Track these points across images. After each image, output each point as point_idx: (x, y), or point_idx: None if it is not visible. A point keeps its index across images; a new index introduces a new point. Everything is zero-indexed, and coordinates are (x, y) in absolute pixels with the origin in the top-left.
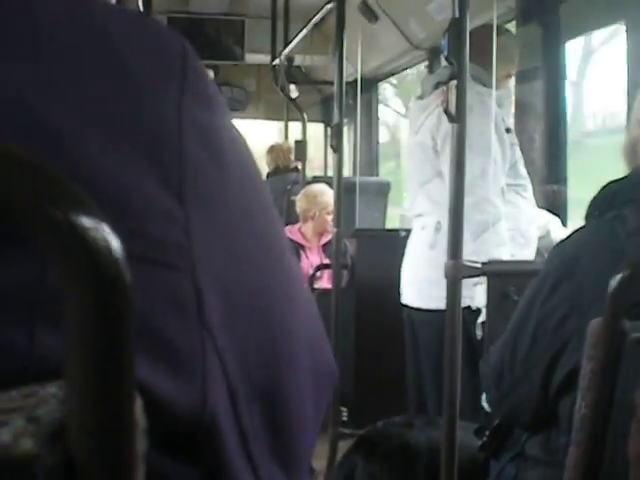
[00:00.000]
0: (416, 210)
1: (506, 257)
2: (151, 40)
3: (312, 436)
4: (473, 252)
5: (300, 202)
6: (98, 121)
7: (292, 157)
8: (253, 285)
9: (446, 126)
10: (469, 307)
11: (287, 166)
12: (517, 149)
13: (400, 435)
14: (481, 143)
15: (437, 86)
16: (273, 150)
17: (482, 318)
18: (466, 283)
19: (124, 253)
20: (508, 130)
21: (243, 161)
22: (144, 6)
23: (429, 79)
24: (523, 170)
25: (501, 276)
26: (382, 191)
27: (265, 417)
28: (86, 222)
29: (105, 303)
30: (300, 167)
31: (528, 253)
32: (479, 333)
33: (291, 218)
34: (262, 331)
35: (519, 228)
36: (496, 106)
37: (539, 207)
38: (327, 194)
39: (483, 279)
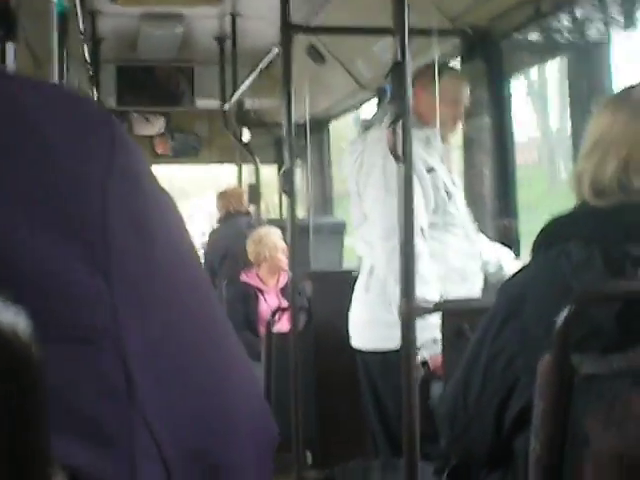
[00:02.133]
0: (358, 253)
1: (432, 296)
2: (78, 119)
3: None
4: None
5: (249, 248)
6: (24, 206)
7: (244, 201)
8: (184, 361)
9: (365, 169)
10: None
11: (239, 210)
12: (447, 187)
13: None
14: (395, 187)
15: (367, 128)
16: (224, 196)
17: (419, 358)
18: (391, 325)
19: (35, 334)
20: (430, 170)
21: (172, 238)
22: (90, 56)
23: (361, 122)
24: (452, 207)
25: (455, 314)
26: (337, 231)
27: None
28: None
29: (11, 384)
30: (253, 210)
31: (469, 289)
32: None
33: (248, 261)
34: (195, 404)
35: (452, 265)
36: (420, 147)
37: (491, 241)
38: (273, 234)
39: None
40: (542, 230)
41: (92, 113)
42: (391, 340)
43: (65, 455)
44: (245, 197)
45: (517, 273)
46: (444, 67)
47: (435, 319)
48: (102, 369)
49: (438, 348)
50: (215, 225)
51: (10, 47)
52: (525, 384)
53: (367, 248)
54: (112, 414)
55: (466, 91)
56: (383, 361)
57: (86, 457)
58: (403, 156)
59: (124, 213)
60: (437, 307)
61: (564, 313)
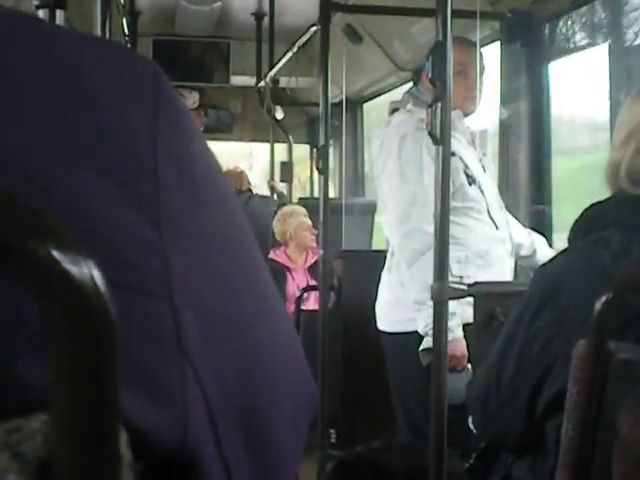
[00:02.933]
0: (384, 234)
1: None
2: (124, 71)
3: (292, 461)
4: (410, 280)
5: (276, 227)
6: (73, 154)
7: (244, 180)
8: (230, 310)
9: (384, 154)
10: (416, 332)
11: (240, 189)
12: (470, 171)
13: (379, 461)
14: (411, 171)
15: (393, 112)
16: (226, 175)
17: (425, 344)
18: (410, 307)
19: (106, 285)
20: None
21: (218, 187)
22: (129, 29)
23: (390, 105)
24: (474, 192)
25: (487, 297)
26: (368, 211)
27: (246, 444)
28: (69, 257)
29: (91, 338)
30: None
31: (495, 273)
32: (424, 360)
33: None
34: (240, 356)
35: (474, 249)
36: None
37: (525, 227)
38: (298, 213)
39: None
40: (580, 217)
41: (139, 64)
42: (409, 322)
43: (125, 407)
44: (244, 176)
45: (554, 258)
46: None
47: (450, 306)
48: (155, 318)
49: (450, 336)
50: None
51: (60, 14)
52: (560, 369)
53: (388, 229)
54: (165, 365)
55: (475, 60)
56: (404, 343)
57: (140, 408)
58: (441, 138)
59: (172, 159)
60: (470, 291)
61: (602, 299)
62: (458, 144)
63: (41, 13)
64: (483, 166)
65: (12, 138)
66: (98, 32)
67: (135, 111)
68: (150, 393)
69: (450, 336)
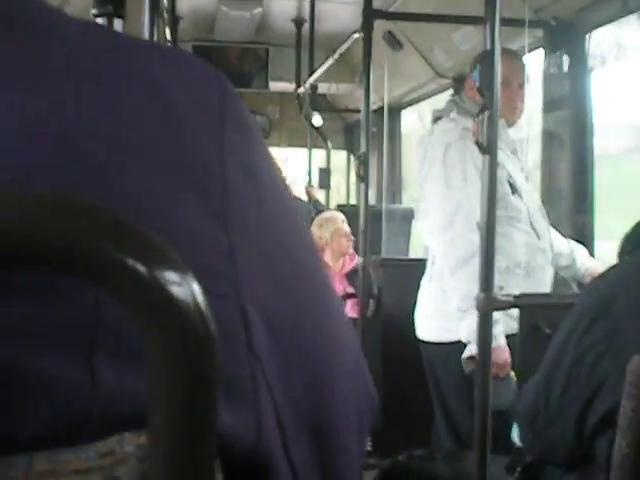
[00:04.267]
0: (424, 242)
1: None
2: (191, 75)
3: (357, 464)
4: (452, 288)
5: (313, 232)
6: (144, 156)
7: None
8: (297, 314)
9: (428, 162)
10: (459, 341)
11: None
12: (513, 180)
13: (423, 469)
14: (456, 179)
15: (436, 120)
16: None
17: (468, 353)
18: (451, 317)
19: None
20: None
21: (280, 191)
22: (171, 35)
23: (432, 113)
24: (517, 201)
25: (532, 309)
26: (407, 218)
27: (313, 448)
28: (171, 276)
29: (192, 361)
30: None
31: (535, 284)
32: (466, 368)
33: None
34: (306, 360)
35: (515, 259)
36: None
37: (566, 237)
38: (336, 218)
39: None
40: (630, 231)
41: (203, 70)
42: (450, 332)
43: None
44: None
45: (605, 273)
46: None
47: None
48: (226, 319)
49: (495, 342)
50: None
51: (118, 23)
52: (612, 385)
53: (431, 238)
54: (237, 367)
55: (521, 71)
56: (444, 353)
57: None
58: (488, 147)
59: (238, 163)
60: (516, 302)
61: None
62: (502, 153)
63: (99, 22)
64: (526, 175)
65: (109, 155)
66: (146, 38)
67: (204, 118)
68: (224, 394)
69: (493, 344)
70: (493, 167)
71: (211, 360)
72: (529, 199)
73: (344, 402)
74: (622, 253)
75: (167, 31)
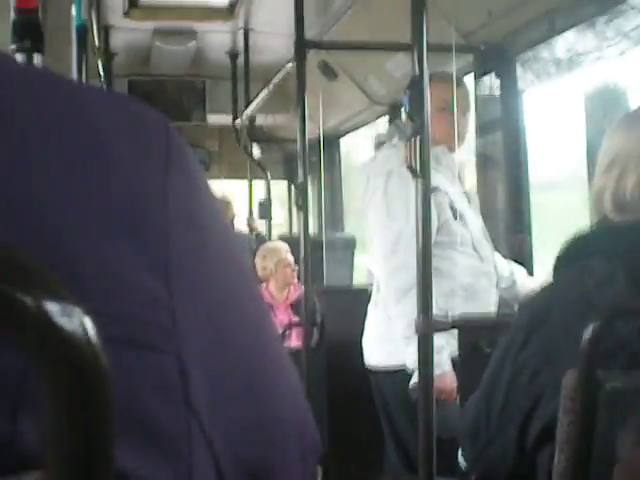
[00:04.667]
0: (369, 268)
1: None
2: (135, 122)
3: None
4: (397, 315)
5: (257, 264)
6: (82, 204)
7: (230, 213)
8: (238, 366)
9: (370, 190)
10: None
11: None
12: (455, 205)
13: None
14: (398, 207)
15: (378, 146)
16: None
17: (415, 380)
18: (398, 342)
19: (102, 337)
20: (434, 189)
21: (226, 239)
22: (104, 71)
23: (374, 139)
24: (459, 226)
25: (471, 329)
26: (349, 246)
27: None
28: (57, 307)
29: (81, 392)
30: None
31: (479, 307)
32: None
33: None
34: (249, 412)
35: (460, 282)
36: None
37: (505, 258)
38: (279, 249)
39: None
40: (563, 246)
41: (147, 116)
42: (397, 356)
43: (124, 463)
44: (231, 207)
45: (540, 290)
46: (434, 75)
47: (437, 340)
48: (162, 373)
49: (439, 370)
50: None
51: (37, 58)
52: (549, 399)
53: (374, 266)
54: (171, 421)
55: (463, 97)
56: (392, 380)
57: (144, 464)
58: (421, 171)
59: (182, 213)
60: (454, 323)
61: (591, 328)
62: (443, 179)
63: (18, 57)
64: (468, 199)
65: (31, 189)
66: (74, 74)
67: (147, 166)
68: (154, 449)
69: (439, 370)
70: (426, 192)
71: (103, 392)
72: (472, 223)
73: (288, 448)
74: (557, 268)
75: (100, 67)
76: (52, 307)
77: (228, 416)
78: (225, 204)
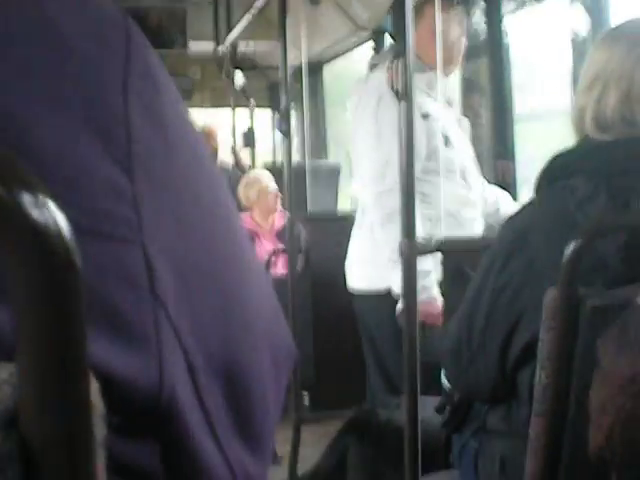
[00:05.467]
0: (354, 192)
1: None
2: (94, 16)
3: (274, 415)
4: (383, 240)
5: (240, 192)
6: (45, 99)
7: (213, 142)
8: (204, 259)
9: (360, 112)
10: (390, 291)
11: None
12: (446, 132)
13: (389, 416)
14: (388, 132)
15: (372, 68)
16: None
17: (401, 305)
18: (382, 265)
19: (72, 228)
20: (425, 116)
21: (189, 138)
22: None
23: (368, 62)
24: (450, 153)
25: (456, 253)
26: (333, 174)
27: (226, 393)
28: (31, 199)
29: (54, 282)
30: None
31: (465, 234)
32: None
33: None
34: (216, 302)
35: (446, 210)
36: (417, 92)
37: (490, 183)
38: (262, 177)
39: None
40: (545, 166)
41: (108, 12)
42: (381, 279)
43: (94, 352)
44: (214, 136)
45: (521, 209)
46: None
47: (425, 265)
48: (127, 263)
49: (426, 295)
50: None
51: None
52: (531, 317)
53: (361, 189)
54: (138, 310)
55: (458, 25)
56: (376, 303)
57: (113, 354)
58: (404, 94)
59: (143, 108)
60: (439, 246)
61: (572, 246)
62: (435, 105)
63: None
64: (460, 124)
65: None
66: None
67: (107, 61)
68: (123, 338)
69: (426, 294)
70: (409, 115)
71: (74, 285)
72: (462, 151)
73: (259, 350)
74: (539, 188)
75: None
76: (26, 199)
77: (195, 310)
78: (207, 134)
